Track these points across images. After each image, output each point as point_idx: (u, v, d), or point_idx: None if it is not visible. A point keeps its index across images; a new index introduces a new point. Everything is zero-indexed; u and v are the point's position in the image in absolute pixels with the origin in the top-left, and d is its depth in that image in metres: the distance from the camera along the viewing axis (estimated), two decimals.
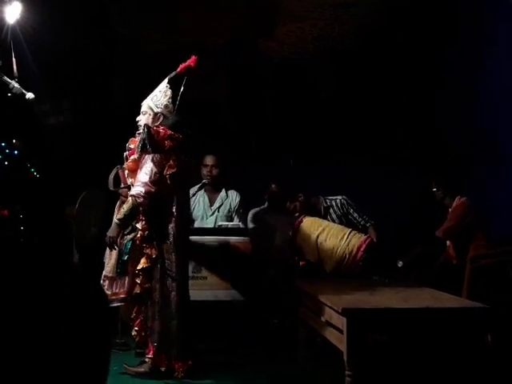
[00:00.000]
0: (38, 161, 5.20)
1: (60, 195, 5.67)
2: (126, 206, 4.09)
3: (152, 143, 4.12)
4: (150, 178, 4.10)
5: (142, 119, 4.32)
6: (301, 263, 5.17)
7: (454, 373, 3.54)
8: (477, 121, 5.95)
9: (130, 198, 4.09)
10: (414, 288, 4.36)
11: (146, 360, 4.16)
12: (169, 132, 4.20)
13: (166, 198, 4.22)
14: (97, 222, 5.63)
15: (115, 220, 4.15)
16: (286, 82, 7.31)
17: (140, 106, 4.42)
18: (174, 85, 4.35)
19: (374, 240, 5.14)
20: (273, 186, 5.98)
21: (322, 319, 3.97)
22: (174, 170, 4.15)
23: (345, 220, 5.55)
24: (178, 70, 4.36)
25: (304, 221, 5.23)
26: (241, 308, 5.03)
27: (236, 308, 5.02)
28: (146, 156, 4.15)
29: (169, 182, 4.16)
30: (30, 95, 4.19)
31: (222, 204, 5.80)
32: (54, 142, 5.94)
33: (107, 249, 4.31)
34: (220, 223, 5.60)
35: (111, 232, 4.12)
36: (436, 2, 6.25)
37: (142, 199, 4.07)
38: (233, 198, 6.00)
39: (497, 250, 4.61)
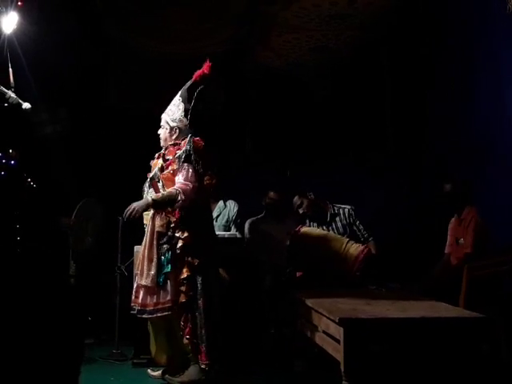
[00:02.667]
0: (34, 171, 5.19)
1: (57, 205, 5.66)
2: (166, 192, 4.08)
3: (195, 154, 4.17)
4: (194, 185, 4.13)
5: (161, 133, 4.38)
6: (298, 274, 5.15)
7: (451, 382, 3.54)
8: (470, 125, 5.95)
9: (173, 190, 4.07)
10: (411, 298, 4.36)
11: (202, 366, 4.16)
12: (203, 143, 4.29)
13: (203, 207, 4.28)
14: (93, 231, 5.62)
15: (149, 198, 4.12)
16: (281, 91, 7.35)
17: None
18: (191, 94, 4.35)
19: (373, 252, 5.14)
20: (271, 193, 5.98)
21: (319, 329, 3.97)
22: (211, 182, 4.21)
23: (349, 230, 5.51)
24: (194, 78, 4.35)
25: (302, 230, 5.22)
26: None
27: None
28: (186, 165, 4.18)
29: (206, 193, 4.25)
30: (26, 105, 4.19)
31: (220, 214, 5.81)
32: (51, 152, 5.94)
33: (139, 259, 4.29)
34: (217, 233, 5.59)
35: (139, 205, 4.08)
36: (428, 12, 6.30)
37: (183, 197, 4.06)
38: (231, 207, 6.01)
39: (494, 259, 4.59)
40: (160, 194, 4.12)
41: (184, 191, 4.07)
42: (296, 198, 5.67)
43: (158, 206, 4.13)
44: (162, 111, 4.53)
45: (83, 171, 6.28)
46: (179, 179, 4.15)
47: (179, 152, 4.22)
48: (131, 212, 4.09)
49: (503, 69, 5.43)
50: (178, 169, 4.20)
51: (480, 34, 5.75)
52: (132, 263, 4.94)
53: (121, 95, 7.03)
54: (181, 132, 4.32)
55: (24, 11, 4.62)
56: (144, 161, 4.84)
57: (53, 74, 5.92)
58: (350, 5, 5.78)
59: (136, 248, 4.84)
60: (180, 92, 4.40)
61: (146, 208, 4.13)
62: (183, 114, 4.33)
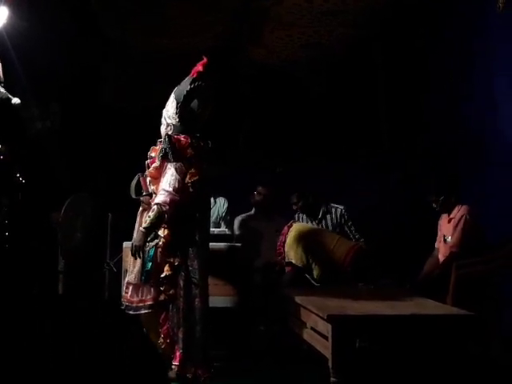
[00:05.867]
0: (23, 166, 5.17)
1: (46, 201, 5.64)
2: (152, 215, 4.08)
3: (173, 152, 4.16)
4: (174, 186, 4.11)
5: (161, 129, 4.39)
6: (287, 269, 5.15)
7: (439, 379, 3.55)
8: (465, 119, 5.94)
9: (155, 207, 4.09)
10: (400, 295, 4.37)
11: (173, 367, 4.14)
12: (190, 140, 4.24)
13: (189, 205, 4.22)
14: (82, 227, 5.61)
15: (141, 229, 4.13)
16: (275, 87, 7.35)
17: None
18: (184, 91, 4.33)
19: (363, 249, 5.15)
20: (259, 188, 5.98)
21: (308, 326, 3.97)
22: (196, 178, 4.18)
23: (340, 230, 5.54)
24: (190, 75, 4.35)
25: (293, 226, 5.22)
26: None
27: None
28: (169, 164, 4.18)
29: (191, 189, 4.18)
30: (16, 100, 4.18)
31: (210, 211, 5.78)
32: (40, 147, 5.91)
33: (130, 255, 4.27)
34: None
35: (137, 241, 4.11)
36: (423, 7, 6.29)
37: (167, 207, 4.07)
38: (221, 204, 6.02)
39: (482, 257, 4.59)
40: (148, 220, 4.12)
41: (164, 202, 4.08)
42: (295, 195, 5.73)
43: (151, 229, 4.13)
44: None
45: (74, 167, 6.26)
46: (161, 185, 4.17)
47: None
48: (135, 250, 4.11)
49: (496, 64, 5.44)
50: (160, 167, 4.22)
51: (475, 28, 5.73)
52: (121, 259, 4.94)
53: (114, 91, 7.02)
54: (175, 129, 4.32)
55: (14, 6, 4.59)
56: (135, 157, 4.83)
57: (44, 70, 5.89)
58: (341, 1, 5.77)
59: (125, 244, 4.83)
60: (175, 89, 4.40)
61: (145, 237, 4.13)
62: (175, 110, 4.33)
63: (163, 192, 4.11)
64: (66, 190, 5.74)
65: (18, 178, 4.98)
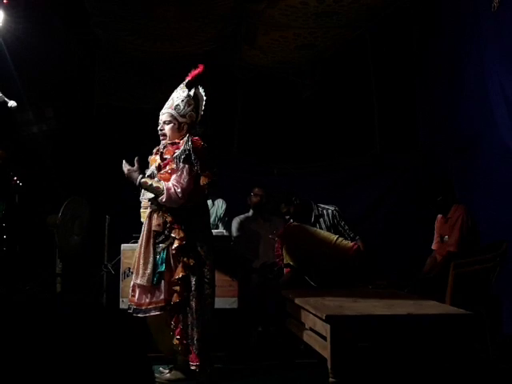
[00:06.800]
0: (20, 169, 5.18)
1: (43, 203, 5.64)
2: (155, 185, 4.06)
3: (194, 153, 4.12)
4: (183, 189, 4.07)
5: (166, 129, 4.29)
6: (285, 270, 5.16)
7: (437, 379, 3.56)
8: (459, 121, 5.97)
9: (161, 186, 4.05)
10: (398, 295, 4.37)
11: (192, 367, 4.13)
12: (202, 142, 4.22)
13: (201, 207, 4.24)
14: (79, 230, 5.61)
15: (140, 179, 4.10)
16: (269, 90, 7.36)
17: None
18: (196, 92, 4.34)
19: (362, 249, 5.16)
20: (256, 189, 5.99)
21: (306, 327, 3.98)
22: (210, 180, 4.16)
23: (334, 231, 5.52)
24: (190, 77, 4.34)
25: (290, 227, 5.23)
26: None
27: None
28: (183, 166, 4.12)
29: (206, 191, 4.20)
30: (12, 103, 4.18)
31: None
32: (37, 150, 5.91)
33: (135, 257, 4.25)
34: None
35: (131, 177, 4.12)
36: (416, 9, 6.32)
37: (165, 200, 4.04)
38: (219, 205, 6.02)
39: (480, 256, 4.61)
40: (149, 183, 4.10)
41: (168, 194, 4.04)
42: (282, 205, 5.68)
43: (142, 188, 4.16)
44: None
45: (71, 170, 6.26)
46: (173, 178, 4.12)
47: (177, 152, 4.16)
48: (126, 175, 4.13)
49: (492, 63, 5.45)
50: (175, 168, 4.14)
51: (471, 28, 5.74)
52: (119, 261, 4.93)
53: (111, 92, 7.01)
54: (189, 128, 4.29)
55: (9, 9, 4.60)
56: (132, 159, 4.82)
57: (38, 72, 5.89)
58: (336, 2, 5.78)
59: (123, 246, 4.83)
60: (187, 88, 4.34)
61: (132, 181, 4.13)
62: (194, 109, 4.30)
63: (173, 185, 4.08)
64: (62, 193, 5.74)
65: (16, 180, 4.99)
